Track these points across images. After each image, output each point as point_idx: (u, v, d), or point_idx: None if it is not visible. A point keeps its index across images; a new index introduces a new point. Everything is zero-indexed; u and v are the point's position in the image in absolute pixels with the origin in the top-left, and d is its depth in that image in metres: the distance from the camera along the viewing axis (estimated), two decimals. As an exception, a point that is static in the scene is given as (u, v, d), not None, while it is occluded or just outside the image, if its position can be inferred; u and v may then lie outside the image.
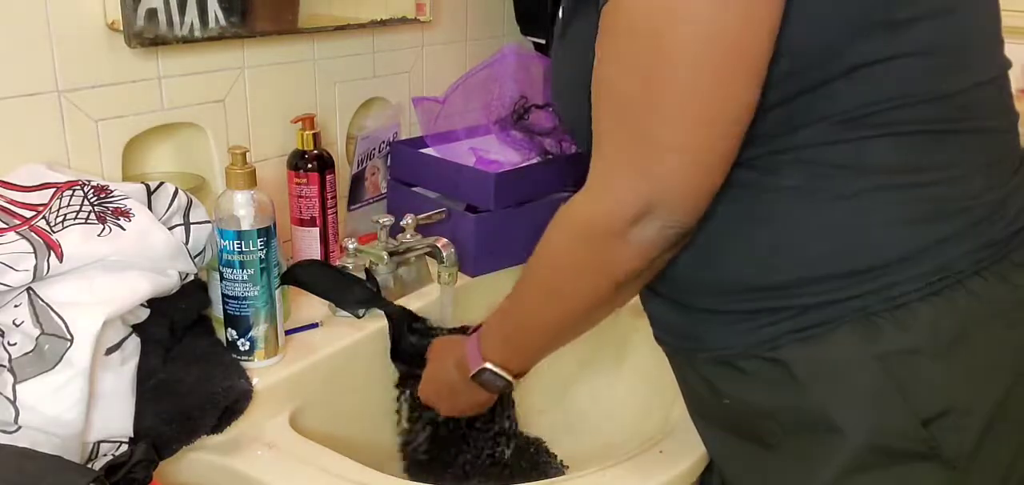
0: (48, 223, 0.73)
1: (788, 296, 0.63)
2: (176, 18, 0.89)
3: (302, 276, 0.92)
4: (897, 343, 0.60)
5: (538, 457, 1.05)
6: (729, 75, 0.56)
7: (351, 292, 0.94)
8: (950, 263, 0.61)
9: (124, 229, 0.74)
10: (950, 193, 0.61)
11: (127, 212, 0.75)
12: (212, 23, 0.92)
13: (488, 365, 0.79)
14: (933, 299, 0.61)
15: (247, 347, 0.83)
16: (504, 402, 0.97)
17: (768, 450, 0.68)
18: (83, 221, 0.73)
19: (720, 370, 0.69)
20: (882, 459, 0.62)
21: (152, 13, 0.86)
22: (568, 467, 1.03)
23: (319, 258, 1.05)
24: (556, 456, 1.05)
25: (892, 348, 0.60)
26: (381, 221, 0.99)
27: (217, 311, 0.83)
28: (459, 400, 0.86)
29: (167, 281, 0.76)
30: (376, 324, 0.95)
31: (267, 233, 0.80)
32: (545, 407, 1.06)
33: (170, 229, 0.77)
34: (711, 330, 0.68)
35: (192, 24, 0.90)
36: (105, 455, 0.70)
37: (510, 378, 0.80)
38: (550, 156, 1.17)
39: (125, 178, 0.92)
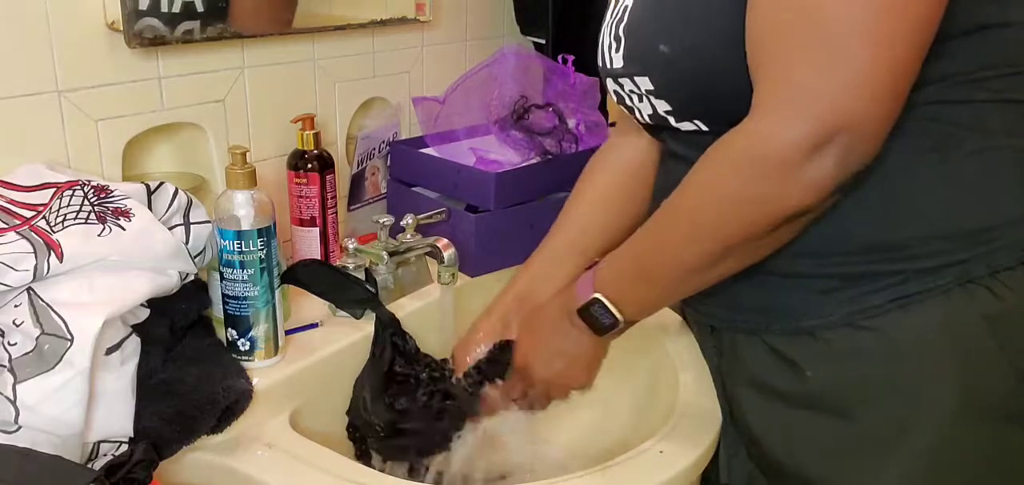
0: (48, 223, 0.73)
1: (896, 259, 0.63)
2: (175, 18, 0.89)
3: (302, 276, 0.92)
4: (997, 307, 0.62)
5: None
6: None
7: (351, 292, 0.94)
8: None
9: (124, 229, 0.74)
10: None
11: (127, 212, 0.75)
12: (212, 23, 0.92)
13: (599, 296, 0.72)
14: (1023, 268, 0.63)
15: (247, 347, 0.83)
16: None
17: (852, 422, 0.67)
18: (83, 221, 0.73)
19: (801, 343, 0.68)
20: (978, 420, 0.63)
21: (152, 13, 0.86)
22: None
23: (319, 258, 1.05)
24: None
25: (994, 310, 0.62)
26: (381, 221, 0.99)
27: (217, 311, 0.83)
28: (561, 349, 0.79)
29: (167, 281, 0.76)
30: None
31: (267, 233, 0.80)
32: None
33: (170, 229, 0.77)
34: (798, 299, 0.67)
35: (191, 24, 0.90)
36: (105, 455, 0.70)
37: (620, 318, 0.73)
38: (550, 156, 1.17)
39: (125, 178, 0.92)
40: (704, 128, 0.69)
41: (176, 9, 0.89)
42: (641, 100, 0.71)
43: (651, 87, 0.69)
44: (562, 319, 0.78)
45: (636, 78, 0.70)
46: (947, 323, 0.63)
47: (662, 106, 0.70)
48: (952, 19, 0.58)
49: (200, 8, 0.91)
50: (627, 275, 0.72)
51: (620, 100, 0.74)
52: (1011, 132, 0.62)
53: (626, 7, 0.71)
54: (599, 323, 0.74)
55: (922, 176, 0.62)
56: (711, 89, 0.66)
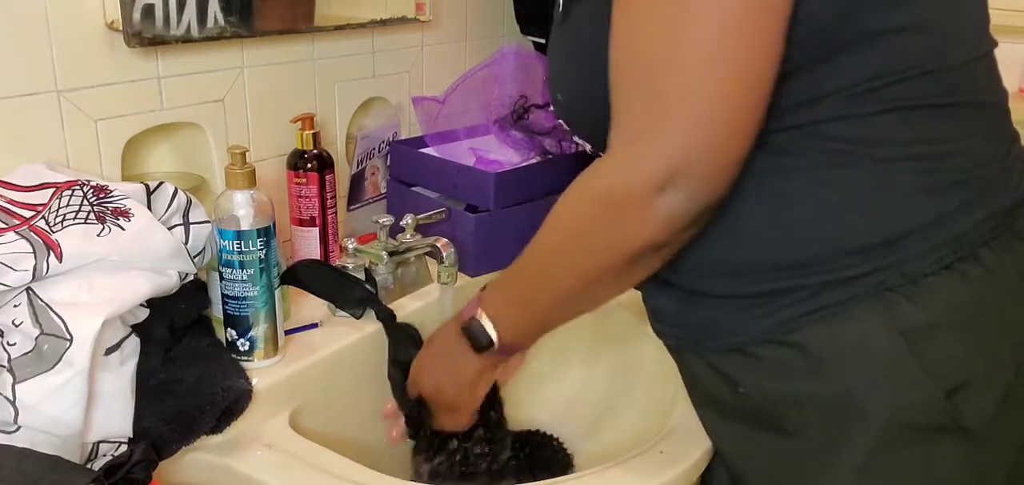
0: (47, 223, 0.73)
1: (805, 274, 0.63)
2: (175, 17, 0.89)
3: (302, 276, 0.92)
4: (917, 318, 0.61)
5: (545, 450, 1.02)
6: (758, 29, 0.55)
7: (350, 292, 0.93)
8: (962, 234, 0.62)
9: (124, 229, 0.74)
10: (958, 164, 0.63)
11: (127, 212, 0.75)
12: (211, 23, 0.92)
13: (479, 314, 0.76)
14: (947, 273, 0.62)
15: (247, 347, 0.83)
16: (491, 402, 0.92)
17: (788, 437, 0.67)
18: (83, 221, 0.73)
19: (734, 359, 0.68)
20: (907, 434, 0.62)
21: (151, 12, 0.86)
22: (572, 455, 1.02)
23: (319, 258, 1.05)
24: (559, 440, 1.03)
25: (912, 323, 0.61)
26: (381, 221, 0.99)
27: (217, 311, 0.83)
28: (446, 364, 0.81)
29: (167, 281, 0.76)
30: (375, 324, 0.94)
31: (267, 233, 0.80)
32: (544, 408, 1.06)
33: (170, 229, 0.77)
34: (724, 318, 0.68)
35: (191, 24, 0.90)
36: (104, 455, 0.70)
37: (495, 338, 0.76)
38: (550, 156, 1.17)
39: (125, 178, 0.92)
40: None
41: (177, 35, 0.89)
42: (576, 136, 0.75)
43: (566, 128, 0.73)
44: (453, 335, 0.80)
45: (561, 120, 0.74)
46: (862, 335, 0.62)
47: (587, 145, 0.73)
48: (838, 33, 0.58)
49: (197, 32, 0.91)
50: (506, 299, 0.76)
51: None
52: (909, 141, 0.61)
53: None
54: (477, 341, 0.77)
55: (818, 194, 0.62)
56: (606, 130, 0.67)
